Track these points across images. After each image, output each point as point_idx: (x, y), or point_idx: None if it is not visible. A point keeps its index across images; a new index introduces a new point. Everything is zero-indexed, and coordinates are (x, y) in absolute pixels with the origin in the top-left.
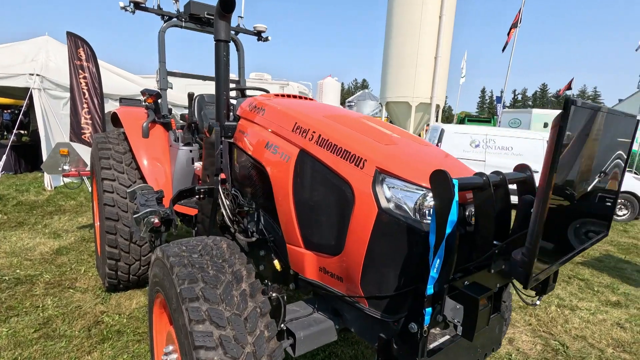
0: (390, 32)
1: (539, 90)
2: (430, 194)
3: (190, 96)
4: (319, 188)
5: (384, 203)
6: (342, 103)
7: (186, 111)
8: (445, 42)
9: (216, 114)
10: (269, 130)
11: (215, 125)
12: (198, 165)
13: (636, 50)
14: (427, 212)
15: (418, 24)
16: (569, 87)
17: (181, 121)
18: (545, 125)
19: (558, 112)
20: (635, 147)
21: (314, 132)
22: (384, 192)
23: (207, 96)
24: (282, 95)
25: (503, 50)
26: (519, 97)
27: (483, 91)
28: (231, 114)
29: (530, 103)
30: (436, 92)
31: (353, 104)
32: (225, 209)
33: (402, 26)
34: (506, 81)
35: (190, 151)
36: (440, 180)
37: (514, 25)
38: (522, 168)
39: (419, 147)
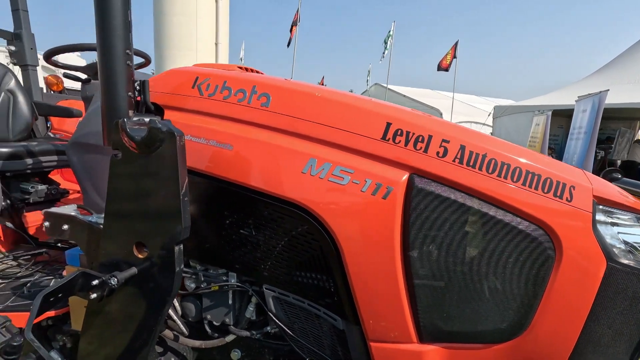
0: (161, 10)
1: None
2: None
3: None
4: (467, 238)
5: (615, 251)
6: None
7: None
8: (223, 29)
9: (107, 97)
10: (308, 137)
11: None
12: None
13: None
14: None
15: (194, 5)
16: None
17: None
18: None
19: None
20: None
21: (446, 140)
22: (610, 233)
23: None
24: (246, 69)
25: (288, 45)
26: None
27: None
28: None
29: None
30: None
31: None
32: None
33: (174, 14)
34: (292, 74)
35: None
36: None
37: (294, 23)
38: None
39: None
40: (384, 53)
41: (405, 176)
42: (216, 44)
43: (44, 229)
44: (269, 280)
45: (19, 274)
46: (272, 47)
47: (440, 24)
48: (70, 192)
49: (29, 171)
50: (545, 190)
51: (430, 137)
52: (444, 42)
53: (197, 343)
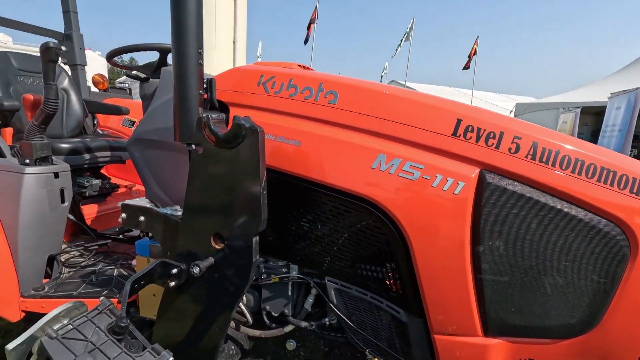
0: None
1: None
2: None
3: None
4: (538, 234)
5: None
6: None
7: None
8: (241, 27)
9: (180, 95)
10: (377, 133)
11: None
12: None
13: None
14: None
15: (213, 4)
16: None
17: None
18: None
19: None
20: None
21: (517, 137)
22: None
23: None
24: (303, 67)
25: (305, 42)
26: None
27: None
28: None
29: None
30: None
31: (127, 85)
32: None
33: None
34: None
35: (56, 176)
36: None
37: (312, 21)
38: None
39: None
40: (397, 49)
41: (475, 172)
42: (234, 42)
43: (120, 220)
44: (330, 273)
45: (83, 263)
46: (289, 44)
47: (459, 19)
48: (120, 187)
49: (85, 166)
50: (622, 187)
51: (502, 133)
52: (463, 38)
53: (257, 332)
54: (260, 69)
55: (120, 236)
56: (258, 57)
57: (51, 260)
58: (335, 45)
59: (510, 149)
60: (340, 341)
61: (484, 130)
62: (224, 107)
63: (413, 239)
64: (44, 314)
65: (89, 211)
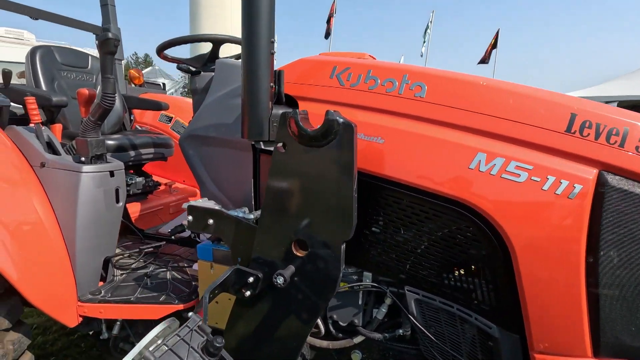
0: (196, 10)
1: None
2: None
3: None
4: None
5: None
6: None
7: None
8: None
9: (250, 88)
10: (474, 129)
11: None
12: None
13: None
14: None
15: (229, 3)
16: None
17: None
18: None
19: None
20: None
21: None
22: None
23: (57, 49)
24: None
25: (326, 37)
26: None
27: None
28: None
29: None
30: None
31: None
32: None
33: (210, 6)
34: None
35: (112, 175)
36: None
37: (332, 15)
38: None
39: None
40: (423, 43)
41: (594, 173)
42: None
43: (185, 222)
44: (410, 282)
45: (133, 265)
46: (306, 39)
47: (479, 11)
48: (162, 184)
49: (130, 163)
50: None
51: (626, 130)
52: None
53: (324, 343)
54: (333, 60)
55: (172, 237)
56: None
57: (106, 263)
58: (350, 40)
59: (637, 147)
60: (411, 353)
61: (605, 126)
62: (292, 102)
63: (517, 247)
64: (101, 320)
65: (132, 209)
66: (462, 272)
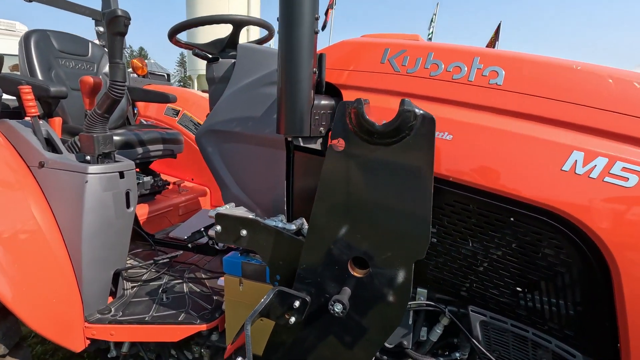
0: None
1: None
2: None
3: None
4: None
5: None
6: None
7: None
8: (255, 11)
9: (289, 74)
10: (567, 123)
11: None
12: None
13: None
14: None
15: None
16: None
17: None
18: None
19: None
20: None
21: None
22: None
23: (54, 34)
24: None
25: (323, 28)
26: None
27: None
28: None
29: None
30: None
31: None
32: None
33: None
34: None
35: (122, 176)
36: None
37: (330, 7)
38: None
39: None
40: (429, 36)
41: None
42: (247, 28)
43: (214, 233)
44: (475, 301)
45: (145, 277)
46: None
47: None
48: (170, 184)
49: (137, 161)
50: None
51: None
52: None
53: None
54: (384, 41)
55: (189, 245)
56: (270, 45)
57: (115, 276)
58: (351, 35)
59: None
60: None
61: None
62: (334, 91)
63: (622, 267)
64: (110, 342)
65: (140, 212)
66: (544, 292)
